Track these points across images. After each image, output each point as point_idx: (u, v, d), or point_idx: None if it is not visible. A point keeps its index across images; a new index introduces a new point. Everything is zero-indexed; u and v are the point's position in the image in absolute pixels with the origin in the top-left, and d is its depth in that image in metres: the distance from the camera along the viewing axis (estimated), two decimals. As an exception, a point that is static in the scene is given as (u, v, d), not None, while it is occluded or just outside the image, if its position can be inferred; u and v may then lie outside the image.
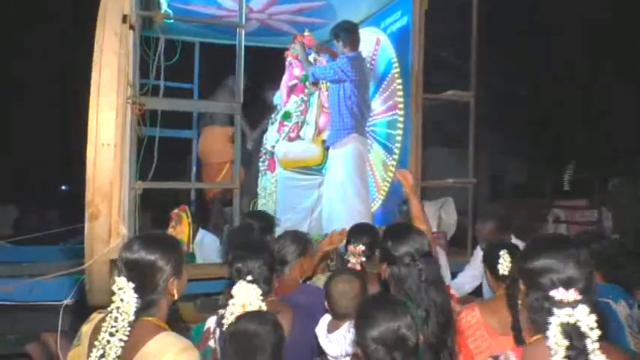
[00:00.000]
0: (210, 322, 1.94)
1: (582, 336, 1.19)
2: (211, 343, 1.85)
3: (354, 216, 3.59)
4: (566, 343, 1.19)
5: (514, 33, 8.99)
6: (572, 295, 1.23)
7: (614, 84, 9.61)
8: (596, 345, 1.19)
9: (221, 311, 1.94)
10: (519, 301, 1.44)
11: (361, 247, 2.34)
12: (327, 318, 2.01)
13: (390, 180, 4.42)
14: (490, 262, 2.18)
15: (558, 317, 1.21)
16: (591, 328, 1.19)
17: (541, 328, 1.26)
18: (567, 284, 1.26)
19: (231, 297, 1.58)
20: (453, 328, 1.77)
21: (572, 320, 1.20)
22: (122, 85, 2.35)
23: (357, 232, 2.52)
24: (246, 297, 1.56)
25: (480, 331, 2.00)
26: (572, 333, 1.20)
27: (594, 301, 1.26)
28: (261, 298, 1.59)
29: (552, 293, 1.25)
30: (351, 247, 2.35)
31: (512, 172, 11.16)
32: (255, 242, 2.27)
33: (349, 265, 2.26)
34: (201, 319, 2.63)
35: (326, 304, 2.00)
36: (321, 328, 1.98)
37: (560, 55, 9.87)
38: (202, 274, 2.86)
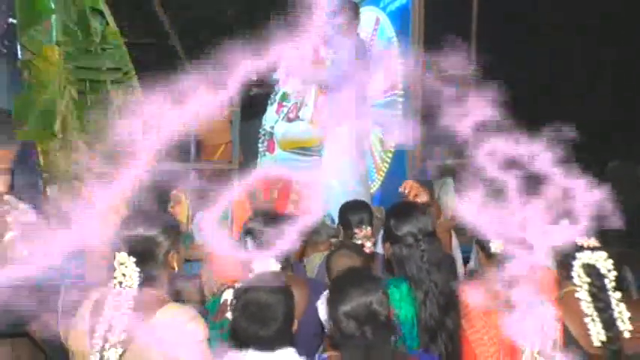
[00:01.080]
0: (228, 294, 1.95)
1: (601, 276, 1.44)
2: (229, 315, 1.86)
3: (353, 198, 3.58)
4: (588, 279, 1.45)
5: (514, 13, 8.86)
6: (592, 241, 1.50)
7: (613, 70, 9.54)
8: (613, 284, 1.43)
9: (238, 284, 1.94)
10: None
11: (369, 230, 2.32)
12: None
13: (388, 162, 4.40)
14: (481, 242, 2.19)
15: (580, 259, 1.48)
16: (608, 270, 1.45)
17: (569, 276, 1.52)
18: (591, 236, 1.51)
19: (251, 271, 1.58)
20: (455, 311, 1.74)
21: (591, 262, 1.46)
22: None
23: (356, 211, 2.50)
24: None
25: (475, 310, 2.02)
26: (592, 273, 1.45)
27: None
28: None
29: (576, 240, 1.52)
30: (362, 232, 2.30)
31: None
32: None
33: (365, 249, 2.22)
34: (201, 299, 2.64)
35: (327, 278, 2.01)
36: (321, 302, 1.99)
37: (559, 38, 9.77)
38: (202, 255, 2.85)
